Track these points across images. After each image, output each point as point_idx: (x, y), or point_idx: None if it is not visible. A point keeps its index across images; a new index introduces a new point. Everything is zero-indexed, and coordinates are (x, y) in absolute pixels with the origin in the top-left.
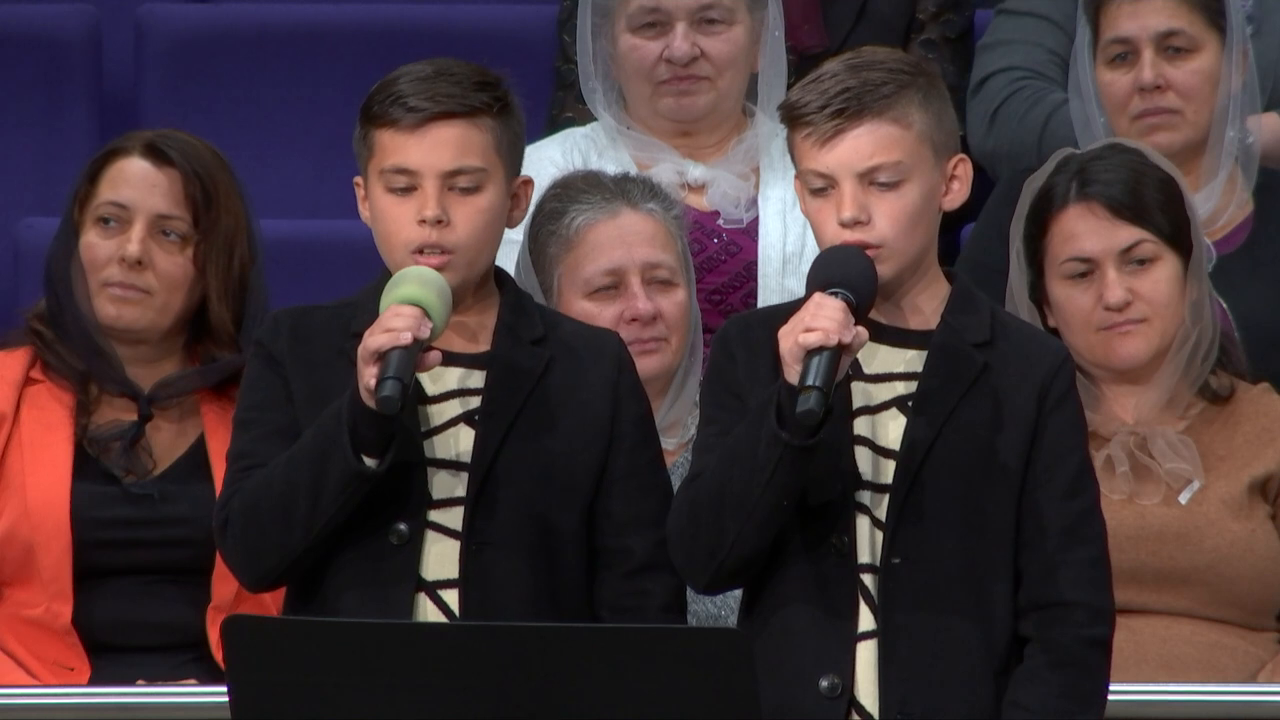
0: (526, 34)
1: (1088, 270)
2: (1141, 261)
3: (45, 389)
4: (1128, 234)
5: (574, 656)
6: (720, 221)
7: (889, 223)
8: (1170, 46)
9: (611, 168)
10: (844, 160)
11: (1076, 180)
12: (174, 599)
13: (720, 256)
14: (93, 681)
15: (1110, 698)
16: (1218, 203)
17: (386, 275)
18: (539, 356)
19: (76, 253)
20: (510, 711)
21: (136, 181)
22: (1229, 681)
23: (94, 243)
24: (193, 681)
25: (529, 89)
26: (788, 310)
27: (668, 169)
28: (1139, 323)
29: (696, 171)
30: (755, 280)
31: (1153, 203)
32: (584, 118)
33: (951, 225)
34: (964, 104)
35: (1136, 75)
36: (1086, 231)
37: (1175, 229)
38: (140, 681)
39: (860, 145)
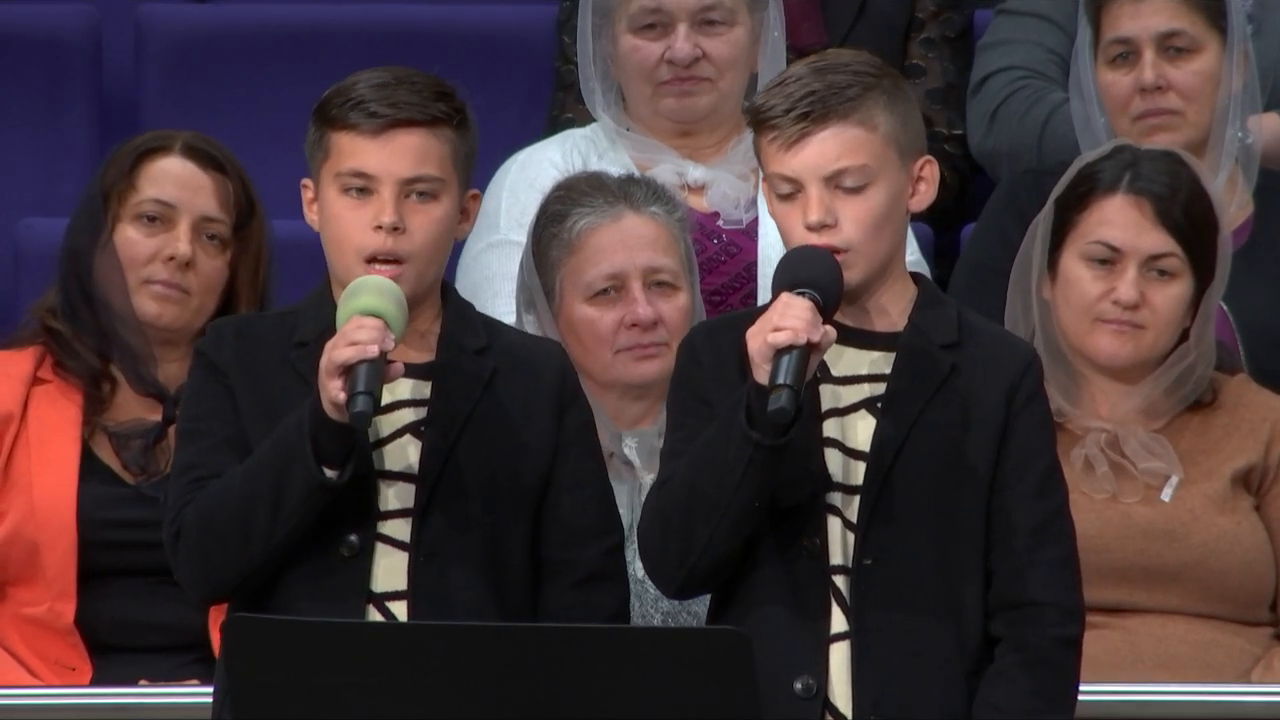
0: (526, 34)
1: (1110, 259)
2: (1162, 273)
3: (55, 388)
4: (1162, 242)
5: (574, 657)
6: (720, 222)
7: (855, 226)
8: (1171, 47)
9: (611, 169)
10: (809, 164)
11: (1130, 172)
12: (178, 600)
13: (720, 257)
14: (94, 681)
15: (1107, 698)
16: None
17: (328, 283)
18: (483, 366)
19: (108, 246)
20: (510, 712)
21: (183, 181)
22: (1225, 679)
23: (135, 239)
24: (194, 682)
25: (529, 89)
26: (753, 315)
27: (667, 170)
28: (1137, 328)
29: (696, 172)
30: (755, 281)
31: (1195, 223)
32: (584, 118)
33: (952, 225)
34: (964, 104)
35: (1137, 76)
36: (1126, 223)
37: (1203, 254)
38: (142, 681)
39: (825, 149)
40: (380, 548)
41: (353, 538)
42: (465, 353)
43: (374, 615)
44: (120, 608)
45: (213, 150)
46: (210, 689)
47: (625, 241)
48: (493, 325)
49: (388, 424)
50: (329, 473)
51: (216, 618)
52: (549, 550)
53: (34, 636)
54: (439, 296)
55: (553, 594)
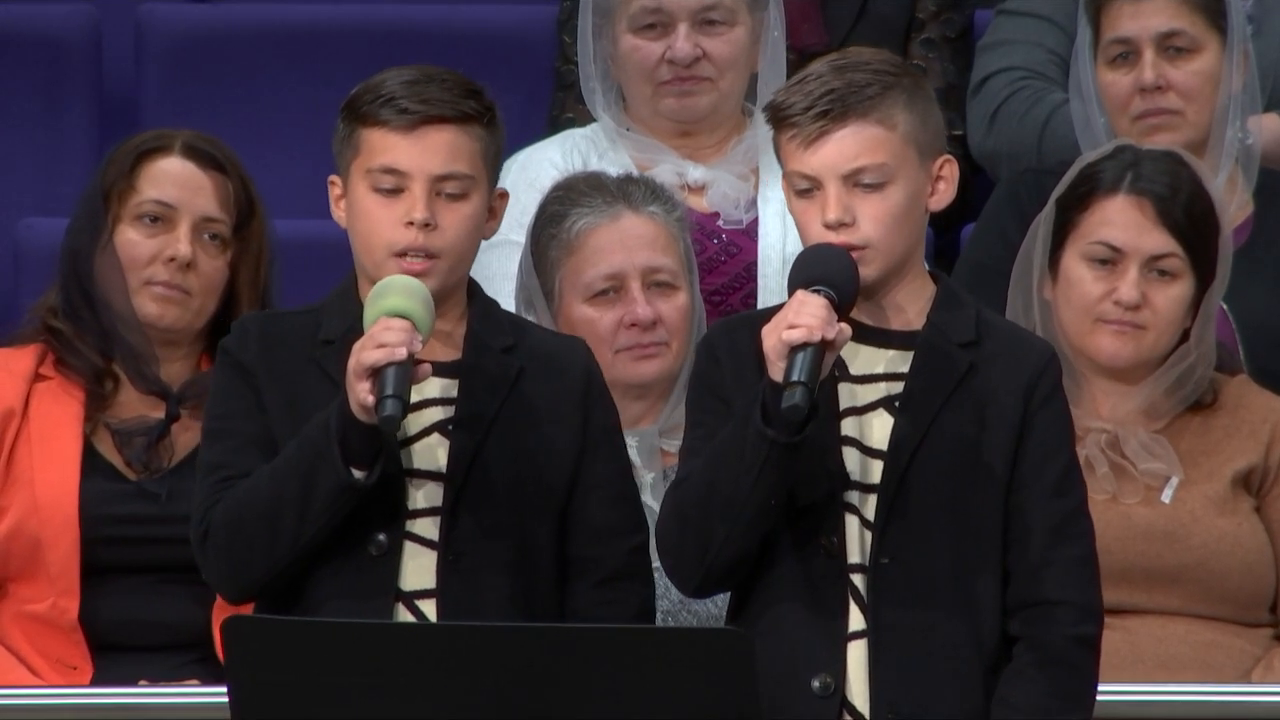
0: (526, 34)
1: (1111, 259)
2: (1163, 273)
3: (56, 384)
4: (1164, 242)
5: (574, 657)
6: (720, 222)
7: (873, 224)
8: (1171, 47)
9: (612, 169)
10: (828, 162)
11: (1132, 172)
12: (180, 597)
13: (720, 257)
14: (95, 681)
15: (1108, 699)
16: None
17: (353, 280)
18: (510, 365)
19: (109, 247)
20: (510, 712)
21: (182, 182)
22: (1225, 680)
23: (136, 240)
24: (194, 682)
25: (529, 89)
26: (770, 313)
27: (667, 170)
28: (1138, 329)
29: (696, 173)
30: (755, 281)
31: (1196, 224)
32: (584, 118)
33: (952, 225)
34: (964, 104)
35: (1137, 76)
36: (1127, 224)
37: (1204, 255)
38: (142, 682)
39: (844, 147)
40: (409, 547)
41: (381, 537)
42: (491, 351)
43: (403, 614)
44: (123, 605)
45: (213, 150)
46: (213, 688)
47: (624, 241)
48: (519, 324)
49: (415, 423)
50: (357, 474)
51: (219, 617)
52: (574, 548)
53: (37, 634)
54: (465, 295)
55: (577, 592)
